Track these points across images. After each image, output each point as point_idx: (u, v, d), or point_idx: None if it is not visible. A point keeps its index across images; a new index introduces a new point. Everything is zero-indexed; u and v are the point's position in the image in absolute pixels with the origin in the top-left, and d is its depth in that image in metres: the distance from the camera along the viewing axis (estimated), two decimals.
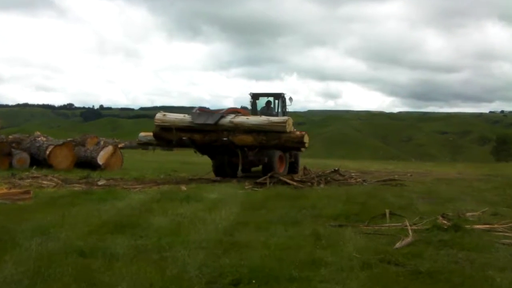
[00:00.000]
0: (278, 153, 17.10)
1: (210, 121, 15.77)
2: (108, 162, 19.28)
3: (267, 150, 16.44)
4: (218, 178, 16.18)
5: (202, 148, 17.11)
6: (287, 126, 15.22)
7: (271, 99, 19.53)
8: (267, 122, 15.60)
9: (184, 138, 16.12)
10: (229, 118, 15.86)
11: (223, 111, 16.34)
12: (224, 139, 15.70)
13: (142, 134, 18.45)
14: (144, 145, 19.13)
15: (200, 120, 15.90)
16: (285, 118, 15.91)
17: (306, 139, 15.44)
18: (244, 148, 16.31)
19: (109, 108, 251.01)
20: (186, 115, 16.55)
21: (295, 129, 15.98)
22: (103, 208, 9.18)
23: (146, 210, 9.11)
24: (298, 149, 16.72)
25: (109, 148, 19.74)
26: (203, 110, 16.70)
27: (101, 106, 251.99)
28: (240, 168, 16.52)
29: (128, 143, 50.81)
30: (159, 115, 16.69)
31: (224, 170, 17.30)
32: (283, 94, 19.44)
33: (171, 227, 7.53)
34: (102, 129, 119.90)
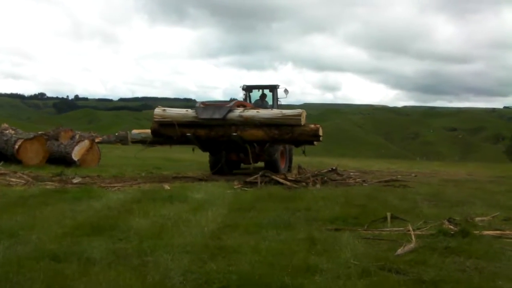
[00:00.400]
0: (280, 148, 17.89)
1: (217, 115, 16.04)
2: (84, 158, 19.24)
3: (271, 145, 17.19)
4: (204, 177, 16.31)
5: (205, 145, 17.33)
6: (302, 119, 15.78)
7: (266, 91, 20.15)
8: (280, 115, 16.09)
9: (188, 134, 16.34)
10: (238, 112, 16.22)
11: (230, 104, 16.64)
12: (234, 134, 15.99)
13: (135, 131, 18.74)
14: (138, 143, 18.79)
15: (206, 115, 16.14)
16: (300, 110, 16.25)
17: (320, 132, 16.04)
18: (253, 143, 16.82)
19: (85, 99, 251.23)
20: (188, 109, 16.87)
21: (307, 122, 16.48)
22: (78, 209, 9.19)
23: (126, 210, 9.12)
24: (311, 143, 16.97)
25: (85, 143, 19.69)
26: (208, 104, 16.92)
27: (76, 97, 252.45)
28: (252, 164, 17.03)
29: (106, 137, 50.99)
30: (158, 110, 16.88)
31: (221, 167, 17.87)
32: (278, 86, 19.98)
33: (153, 229, 7.54)
34: (78, 122, 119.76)
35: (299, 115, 15.91)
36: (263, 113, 16.47)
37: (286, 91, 19.67)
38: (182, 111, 16.89)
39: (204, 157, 18.96)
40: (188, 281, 5.22)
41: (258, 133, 16.14)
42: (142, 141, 18.08)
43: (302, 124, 15.88)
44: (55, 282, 5.07)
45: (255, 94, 20.44)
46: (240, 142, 16.45)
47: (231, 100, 17.90)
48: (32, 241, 6.59)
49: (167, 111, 16.84)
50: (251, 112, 16.37)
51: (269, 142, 16.89)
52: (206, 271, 5.53)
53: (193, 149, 18.03)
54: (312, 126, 16.26)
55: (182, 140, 16.99)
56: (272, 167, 17.21)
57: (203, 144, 17.18)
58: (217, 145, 17.25)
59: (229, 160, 18.06)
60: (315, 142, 16.72)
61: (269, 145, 17.34)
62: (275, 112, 16.74)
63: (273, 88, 20.24)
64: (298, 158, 21.54)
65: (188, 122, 16.42)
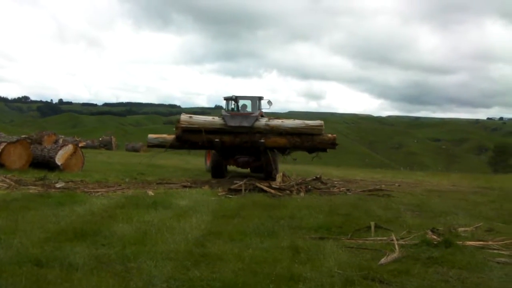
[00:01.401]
0: (278, 154, 19.74)
1: (246, 123, 18.22)
2: (68, 162, 19.11)
3: (266, 152, 18.84)
4: (189, 184, 16.31)
5: (226, 150, 18.97)
6: (323, 129, 18.65)
7: (248, 101, 21.53)
8: (304, 125, 18.66)
9: (216, 140, 18.04)
10: (264, 121, 18.60)
11: (256, 114, 19.02)
12: (261, 141, 18.12)
13: (152, 136, 19.89)
14: (155, 147, 19.89)
15: (234, 123, 18.19)
16: (321, 121, 19.02)
17: (336, 140, 18.87)
18: (272, 150, 18.85)
19: (69, 103, 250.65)
20: (215, 117, 18.83)
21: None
22: (61, 213, 9.14)
23: (109, 216, 9.09)
24: (325, 150, 19.34)
25: (69, 147, 19.56)
26: (235, 114, 19.15)
27: (60, 101, 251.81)
28: (273, 169, 18.49)
29: (90, 142, 50.76)
30: (184, 117, 18.35)
31: (223, 171, 19.59)
32: (262, 97, 21.40)
33: (136, 235, 7.53)
34: (61, 126, 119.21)
35: (321, 125, 18.69)
36: (288, 122, 18.77)
37: (269, 102, 20.81)
38: (209, 118, 18.76)
39: (188, 163, 19.15)
40: None
41: (281, 141, 18.41)
42: (158, 145, 19.41)
43: (323, 133, 18.47)
44: (37, 287, 5.05)
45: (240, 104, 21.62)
46: (262, 149, 18.40)
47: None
48: (14, 246, 6.55)
49: (193, 118, 18.36)
50: (277, 122, 18.66)
51: (288, 149, 19.28)
52: (189, 278, 5.53)
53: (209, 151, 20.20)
54: (330, 135, 18.86)
55: (205, 146, 18.58)
56: (270, 173, 18.50)
57: (224, 149, 18.77)
58: (237, 150, 19.07)
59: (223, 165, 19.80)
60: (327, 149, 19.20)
61: (269, 152, 18.84)
62: (298, 122, 18.98)
63: (259, 99, 21.43)
64: (282, 166, 21.60)
65: (215, 129, 18.14)
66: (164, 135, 19.18)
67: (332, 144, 18.84)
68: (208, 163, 21.87)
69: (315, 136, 18.63)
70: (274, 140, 18.36)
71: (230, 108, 21.33)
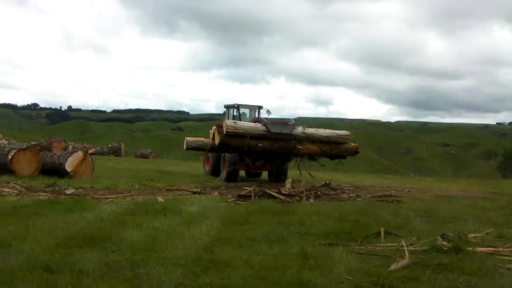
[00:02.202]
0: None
1: (286, 130, 19.42)
2: (77, 169, 19.16)
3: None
4: (198, 190, 16.35)
5: (260, 155, 20.56)
6: (350, 138, 20.82)
7: (246, 110, 23.90)
8: (334, 134, 20.62)
9: (260, 145, 19.12)
10: (301, 129, 19.98)
11: (292, 122, 20.55)
12: (299, 147, 19.60)
13: (190, 139, 21.32)
14: (193, 150, 21.36)
15: (276, 129, 19.24)
16: (348, 132, 21.41)
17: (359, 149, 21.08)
18: (308, 155, 20.78)
19: (78, 110, 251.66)
20: (257, 124, 19.77)
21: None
22: (71, 220, 9.16)
23: (119, 222, 9.11)
24: (344, 157, 21.37)
25: (79, 154, 19.63)
26: (274, 121, 20.24)
27: (70, 107, 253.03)
28: (285, 175, 20.52)
29: (99, 149, 50.88)
30: (230, 123, 19.19)
31: (237, 176, 21.10)
32: (262, 106, 23.69)
33: (146, 242, 7.54)
34: (70, 133, 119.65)
35: (349, 135, 21.00)
36: (321, 131, 20.46)
37: (268, 112, 22.33)
38: (252, 124, 19.67)
39: (196, 170, 19.37)
40: None
41: (314, 148, 19.95)
42: (197, 148, 20.82)
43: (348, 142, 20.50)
44: None
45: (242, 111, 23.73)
46: (297, 155, 20.27)
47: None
48: (25, 252, 6.58)
49: (238, 124, 19.29)
50: (311, 130, 20.24)
51: (317, 156, 20.66)
52: (198, 284, 5.54)
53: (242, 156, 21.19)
54: (353, 144, 21.09)
55: (246, 150, 19.50)
56: (283, 175, 20.73)
57: (259, 154, 20.25)
58: (271, 155, 20.71)
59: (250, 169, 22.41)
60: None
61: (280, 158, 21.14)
62: (329, 131, 20.89)
63: (258, 108, 23.66)
64: (292, 172, 21.65)
65: (258, 134, 19.09)
66: (202, 139, 20.55)
67: (355, 152, 21.09)
68: (208, 167, 23.25)
69: (342, 145, 20.60)
70: (307, 147, 19.82)
71: (232, 116, 23.04)
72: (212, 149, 20.53)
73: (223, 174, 21.30)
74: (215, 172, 22.48)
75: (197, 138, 20.96)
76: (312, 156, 20.87)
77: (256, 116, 23.26)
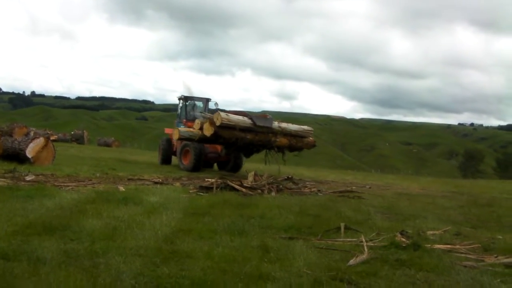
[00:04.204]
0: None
1: (268, 124, 20.51)
2: (38, 155, 18.86)
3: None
4: (160, 180, 16.29)
5: (243, 146, 21.18)
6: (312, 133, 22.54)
7: (198, 103, 25.38)
8: (301, 129, 22.12)
9: (248, 137, 19.94)
10: (277, 123, 21.09)
11: (270, 116, 21.56)
12: (277, 140, 20.72)
13: (183, 129, 21.56)
14: (186, 140, 21.38)
15: (260, 123, 20.23)
16: (311, 128, 23.14)
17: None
18: (278, 147, 21.43)
19: (42, 96, 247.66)
20: (244, 117, 20.37)
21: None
22: (30, 207, 9.03)
23: (79, 211, 9.00)
24: (302, 150, 22.52)
25: (40, 140, 19.31)
26: (258, 115, 21.59)
27: (33, 93, 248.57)
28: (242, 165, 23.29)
29: (61, 136, 50.30)
30: (224, 115, 19.63)
31: (199, 165, 21.96)
32: (210, 99, 25.23)
33: (105, 231, 7.46)
34: (33, 118, 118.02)
35: (312, 130, 22.77)
36: (292, 126, 21.81)
37: (216, 104, 24.43)
38: (240, 117, 20.20)
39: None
40: (140, 284, 5.19)
41: (284, 141, 21.04)
42: (189, 139, 20.82)
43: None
44: (4, 281, 4.98)
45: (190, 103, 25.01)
46: (271, 147, 21.13)
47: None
48: None
49: (230, 116, 19.76)
50: (285, 125, 21.50)
51: (284, 148, 21.60)
52: (158, 275, 5.50)
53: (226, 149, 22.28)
54: (311, 139, 22.58)
55: (235, 142, 20.10)
56: (238, 169, 23.06)
57: (243, 146, 20.93)
58: (252, 147, 21.55)
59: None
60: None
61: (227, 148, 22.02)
62: (297, 126, 22.28)
63: (207, 101, 25.12)
64: (254, 165, 21.72)
65: (245, 127, 19.86)
66: (192, 129, 20.67)
67: (313, 145, 22.70)
68: (187, 162, 22.49)
69: (304, 139, 22.06)
70: (280, 140, 20.89)
71: (185, 106, 24.64)
72: (201, 139, 20.64)
73: (188, 168, 21.98)
74: (196, 167, 21.86)
75: (189, 129, 21.13)
76: (280, 148, 21.61)
77: (205, 108, 24.81)
